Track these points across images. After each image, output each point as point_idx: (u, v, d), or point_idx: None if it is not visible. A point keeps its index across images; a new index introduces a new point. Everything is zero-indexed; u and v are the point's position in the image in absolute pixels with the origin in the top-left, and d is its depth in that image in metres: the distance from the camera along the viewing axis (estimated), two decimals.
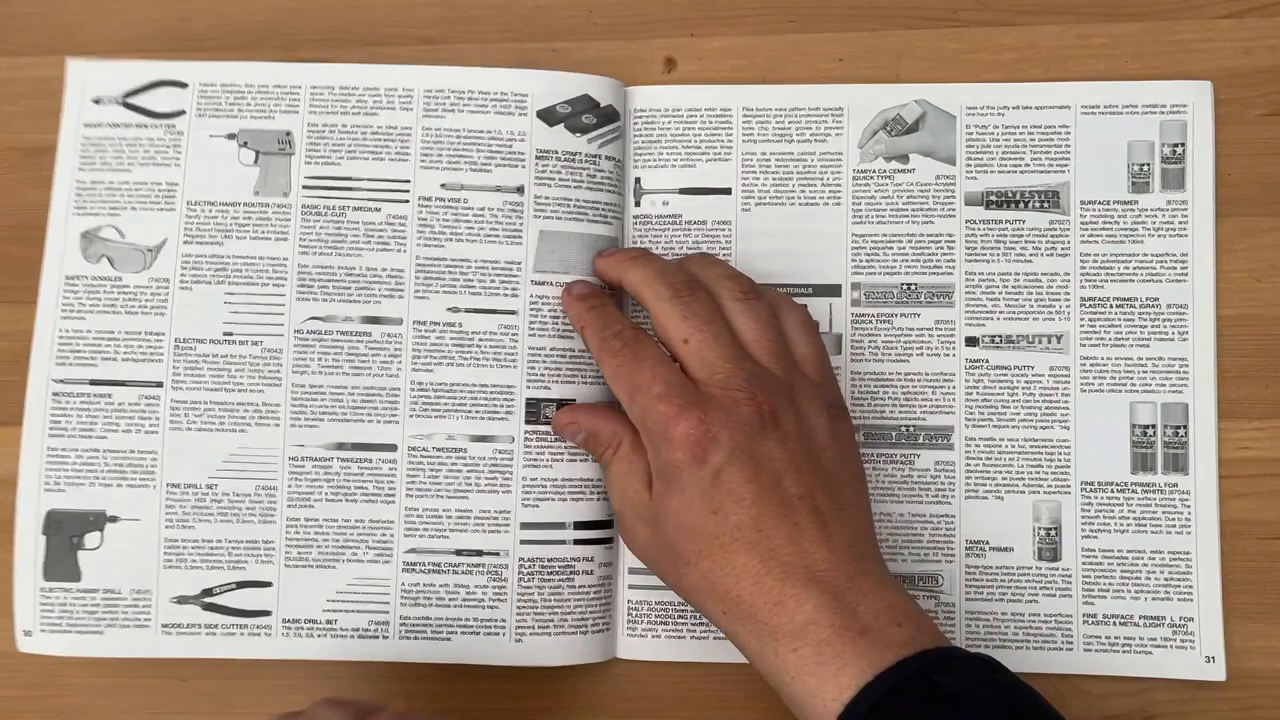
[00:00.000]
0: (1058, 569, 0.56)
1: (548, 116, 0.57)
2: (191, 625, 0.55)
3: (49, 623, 0.55)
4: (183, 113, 0.58)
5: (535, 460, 0.56)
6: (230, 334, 0.56)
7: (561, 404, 0.56)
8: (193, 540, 0.56)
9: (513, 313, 0.56)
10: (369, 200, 0.57)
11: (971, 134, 0.58)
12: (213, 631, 0.56)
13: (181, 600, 0.56)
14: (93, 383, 0.56)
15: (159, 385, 0.56)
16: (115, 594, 0.56)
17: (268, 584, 0.56)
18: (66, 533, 0.56)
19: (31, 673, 0.59)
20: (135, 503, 0.56)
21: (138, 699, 0.59)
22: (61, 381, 0.56)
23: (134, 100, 0.58)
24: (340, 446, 0.56)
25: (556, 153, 0.57)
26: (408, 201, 0.57)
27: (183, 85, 0.58)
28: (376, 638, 0.56)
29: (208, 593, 0.56)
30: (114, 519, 0.56)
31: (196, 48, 0.61)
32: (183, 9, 0.62)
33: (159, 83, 0.58)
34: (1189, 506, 0.56)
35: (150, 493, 0.56)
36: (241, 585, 0.56)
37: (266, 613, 0.56)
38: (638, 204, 0.59)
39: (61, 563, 0.56)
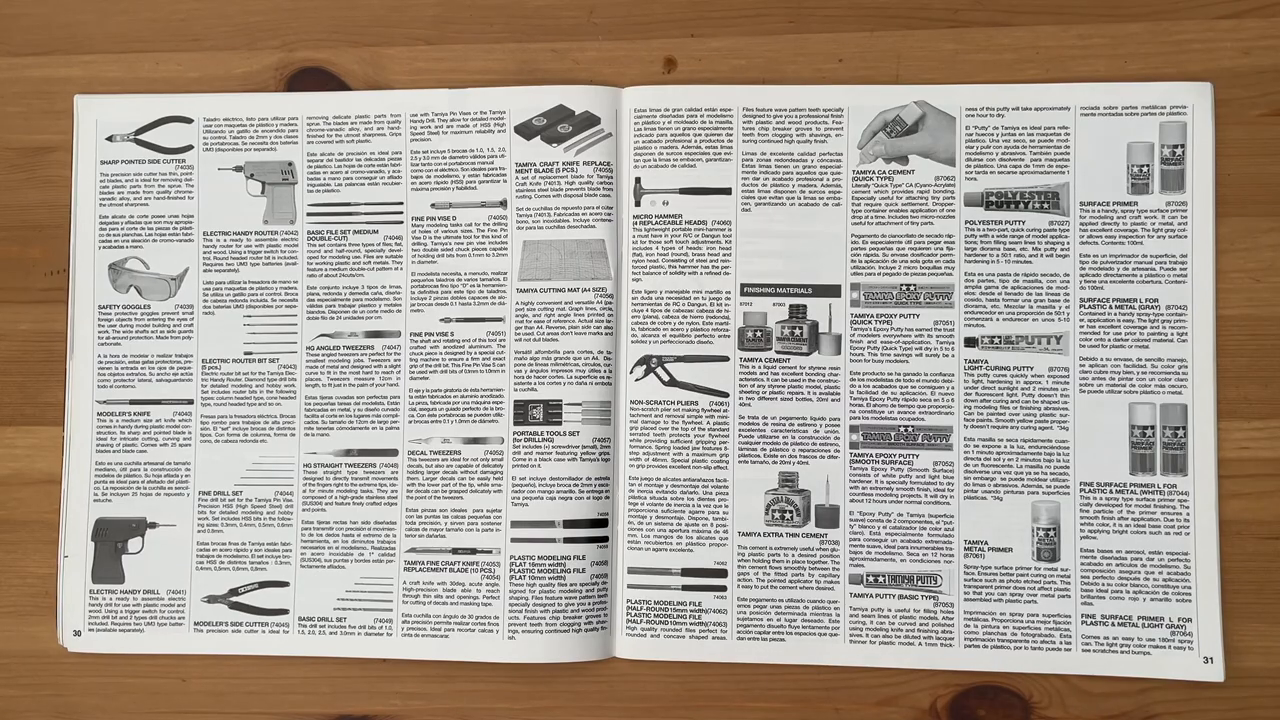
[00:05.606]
0: (1056, 569, 0.56)
1: (524, 130, 0.59)
2: (220, 623, 0.59)
3: (96, 622, 0.59)
4: (191, 147, 0.61)
5: (524, 460, 0.58)
6: (250, 353, 0.60)
7: (549, 404, 0.58)
8: (221, 543, 0.59)
9: (500, 320, 0.59)
10: (367, 223, 0.60)
11: (971, 135, 0.58)
12: (238, 629, 0.59)
13: (211, 600, 0.59)
14: (132, 402, 0.60)
15: (190, 402, 0.60)
16: (154, 594, 0.59)
17: (285, 584, 0.59)
18: (112, 539, 0.60)
19: (32, 673, 0.60)
20: (172, 510, 0.60)
21: (138, 699, 0.59)
22: (105, 403, 0.60)
23: (145, 137, 0.61)
24: (348, 453, 0.59)
25: (535, 164, 0.59)
26: (401, 222, 0.60)
27: (188, 120, 0.61)
28: (381, 634, 0.58)
29: (234, 592, 0.59)
30: (153, 525, 0.60)
31: (196, 47, 0.61)
32: (182, 9, 0.62)
33: (166, 119, 0.61)
34: (1188, 507, 0.56)
35: (185, 500, 0.60)
36: (263, 585, 0.59)
37: (284, 611, 0.59)
38: (638, 204, 0.59)
39: (108, 566, 0.60)
